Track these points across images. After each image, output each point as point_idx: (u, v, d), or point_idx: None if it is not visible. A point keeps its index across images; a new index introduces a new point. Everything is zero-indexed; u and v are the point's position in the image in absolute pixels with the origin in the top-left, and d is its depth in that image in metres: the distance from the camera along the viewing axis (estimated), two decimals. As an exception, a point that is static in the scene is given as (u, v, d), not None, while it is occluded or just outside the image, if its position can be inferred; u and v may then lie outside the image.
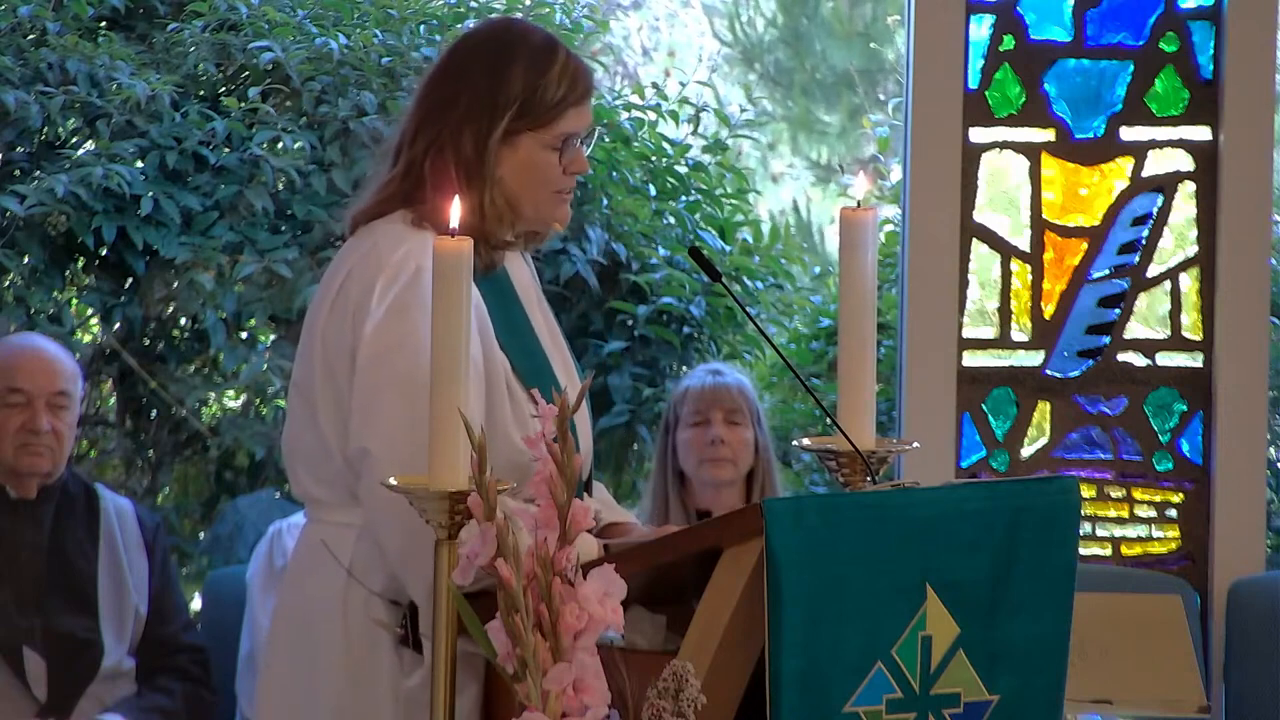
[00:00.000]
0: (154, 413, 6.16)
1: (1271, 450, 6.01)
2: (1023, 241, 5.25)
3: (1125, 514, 5.24)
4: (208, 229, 5.79)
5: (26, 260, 5.81)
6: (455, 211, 2.65)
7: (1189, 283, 5.24)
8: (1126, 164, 5.25)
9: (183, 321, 6.08)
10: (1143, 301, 5.25)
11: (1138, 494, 5.24)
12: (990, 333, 5.26)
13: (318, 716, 3.03)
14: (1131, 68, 5.24)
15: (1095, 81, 5.25)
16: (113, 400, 6.24)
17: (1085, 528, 5.22)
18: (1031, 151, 5.25)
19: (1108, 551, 5.24)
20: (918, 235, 5.19)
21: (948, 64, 5.19)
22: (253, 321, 5.96)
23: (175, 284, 5.91)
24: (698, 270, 5.42)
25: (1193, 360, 5.24)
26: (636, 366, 6.07)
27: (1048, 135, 5.25)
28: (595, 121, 3.19)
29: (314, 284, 5.54)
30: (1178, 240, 5.25)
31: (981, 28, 5.23)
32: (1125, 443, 5.24)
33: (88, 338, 6.10)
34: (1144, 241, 5.24)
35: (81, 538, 4.55)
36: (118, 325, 5.99)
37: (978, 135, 5.23)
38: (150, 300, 5.96)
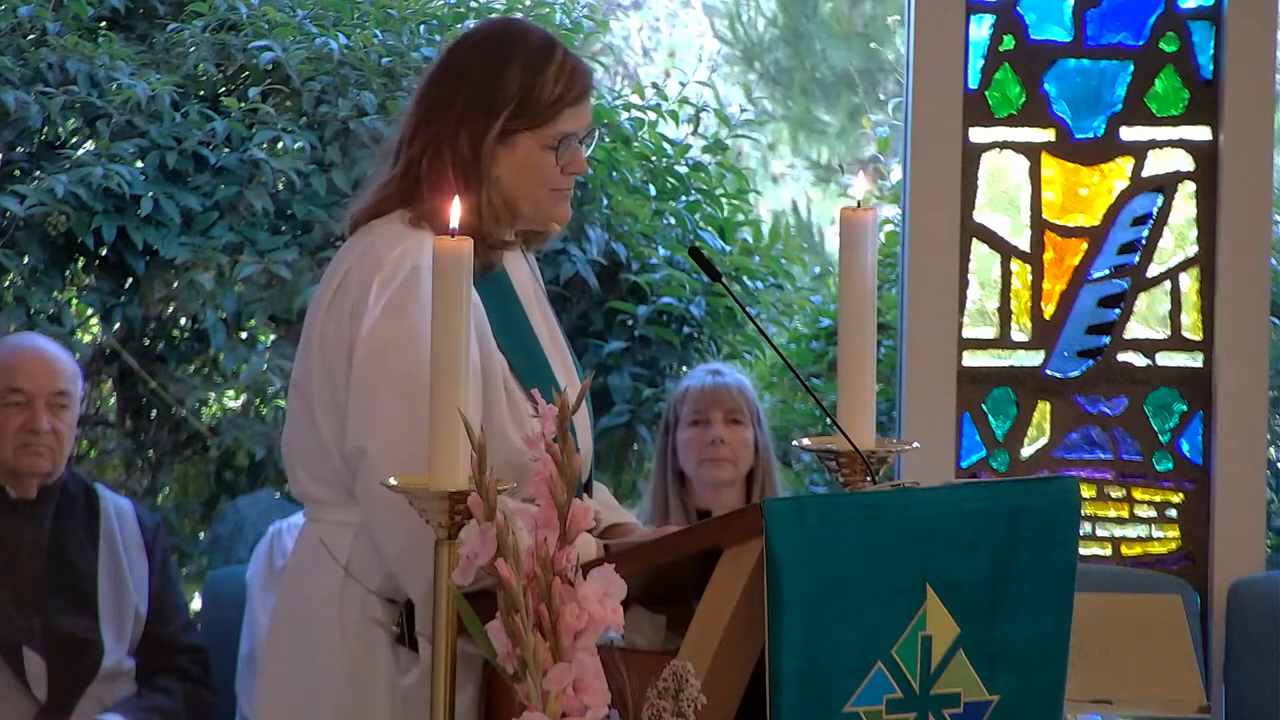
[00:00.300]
0: (154, 413, 6.16)
1: (1271, 450, 6.01)
2: (1023, 241, 5.25)
3: (1125, 514, 5.24)
4: (208, 229, 5.79)
5: (26, 260, 5.81)
6: (455, 211, 2.65)
7: (1189, 283, 5.24)
8: (1126, 164, 5.25)
9: (183, 321, 6.08)
10: (1143, 301, 5.25)
11: (1138, 494, 5.24)
12: (990, 333, 5.26)
13: (317, 716, 3.03)
14: (1131, 68, 5.24)
15: (1095, 81, 5.25)
16: (113, 400, 6.24)
17: (1085, 528, 5.22)
18: (1031, 151, 5.25)
19: (1108, 551, 5.24)
20: (918, 235, 5.19)
21: (948, 64, 5.19)
22: (253, 322, 5.96)
23: (175, 284, 5.91)
24: (698, 270, 5.42)
25: (1193, 360, 5.24)
26: (636, 366, 6.07)
27: (1048, 135, 5.25)
28: (595, 121, 3.19)
29: (314, 284, 5.53)
30: (1178, 240, 5.25)
31: (981, 28, 5.23)
32: (1125, 443, 5.24)
33: (88, 338, 6.10)
34: (1144, 241, 5.24)
35: (81, 538, 4.55)
36: (118, 325, 5.99)
37: (978, 135, 5.23)
38: (150, 300, 5.95)
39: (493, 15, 6.23)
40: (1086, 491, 5.21)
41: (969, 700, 2.74)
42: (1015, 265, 5.25)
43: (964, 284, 5.23)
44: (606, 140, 6.16)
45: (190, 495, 6.30)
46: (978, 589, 2.73)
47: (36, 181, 5.73)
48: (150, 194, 5.69)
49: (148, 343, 6.05)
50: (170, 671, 4.60)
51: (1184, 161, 5.24)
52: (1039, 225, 5.25)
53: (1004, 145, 5.25)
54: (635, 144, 6.34)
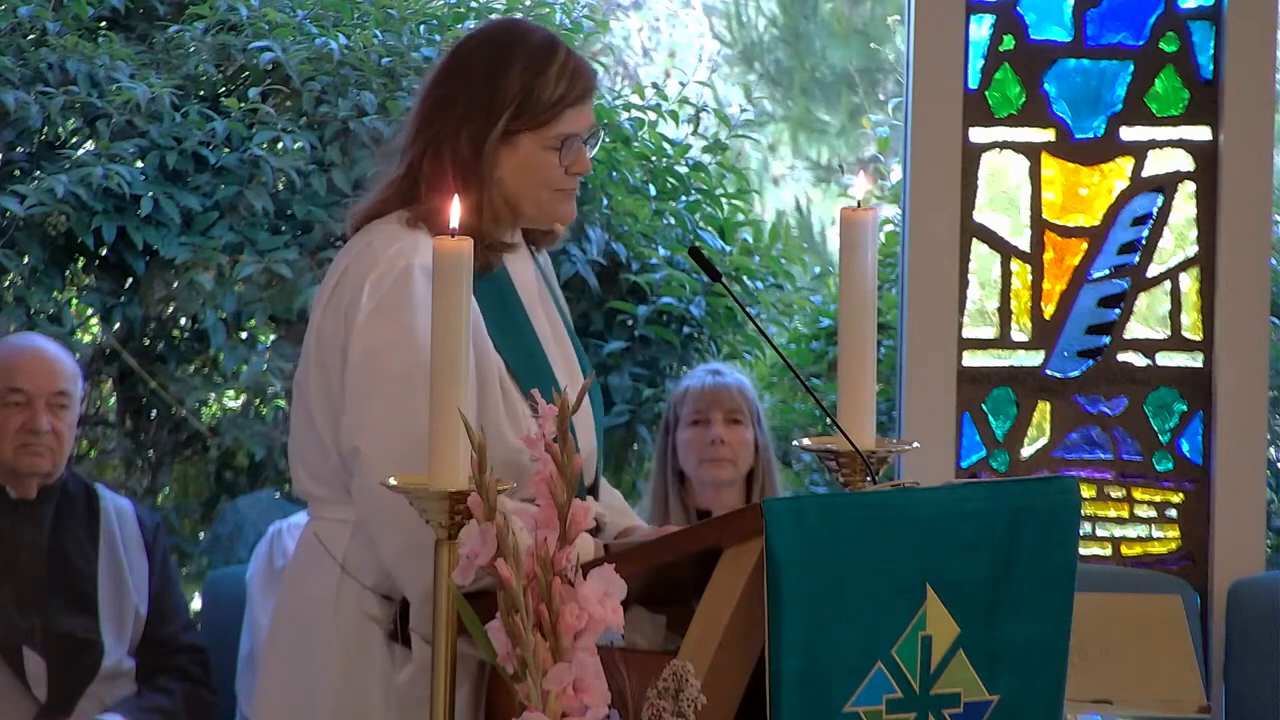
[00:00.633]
0: (154, 413, 6.16)
1: (1271, 450, 6.01)
2: (1023, 241, 5.25)
3: (1125, 514, 5.24)
4: (208, 229, 5.79)
5: (26, 260, 5.81)
6: (455, 211, 2.65)
7: (1189, 283, 5.24)
8: (1126, 164, 5.25)
9: (183, 321, 6.08)
10: (1143, 301, 5.25)
11: (1138, 494, 5.24)
12: (990, 333, 5.26)
13: (316, 715, 3.03)
14: (1131, 68, 5.24)
15: (1095, 81, 5.25)
16: (113, 400, 6.23)
17: (1085, 528, 5.22)
18: (1031, 151, 5.25)
19: (1108, 551, 5.24)
20: (918, 235, 5.19)
21: (948, 64, 5.19)
22: (253, 322, 5.96)
23: (175, 284, 5.91)
24: (698, 270, 5.42)
25: (1193, 360, 5.24)
26: (636, 366, 6.07)
27: (1048, 135, 5.25)
28: (595, 121, 3.19)
29: (314, 284, 5.55)
30: (1178, 240, 5.25)
31: (981, 28, 5.23)
32: (1125, 443, 5.24)
33: (88, 338, 6.10)
34: (1144, 241, 5.24)
35: (81, 538, 4.54)
36: (118, 325, 5.99)
37: (978, 135, 5.23)
38: (150, 300, 5.95)
39: (493, 15, 6.24)
40: (1086, 491, 5.20)
41: (969, 700, 2.74)
42: (1015, 265, 5.25)
43: (964, 284, 5.23)
44: (606, 140, 6.16)
45: (190, 495, 6.30)
46: (978, 589, 2.73)
47: (36, 181, 5.73)
48: (150, 194, 5.69)
49: (148, 343, 6.05)
50: (170, 671, 4.59)
51: (1184, 161, 5.24)
52: (1039, 225, 5.25)
53: (1004, 145, 5.25)
54: (635, 144, 6.34)
